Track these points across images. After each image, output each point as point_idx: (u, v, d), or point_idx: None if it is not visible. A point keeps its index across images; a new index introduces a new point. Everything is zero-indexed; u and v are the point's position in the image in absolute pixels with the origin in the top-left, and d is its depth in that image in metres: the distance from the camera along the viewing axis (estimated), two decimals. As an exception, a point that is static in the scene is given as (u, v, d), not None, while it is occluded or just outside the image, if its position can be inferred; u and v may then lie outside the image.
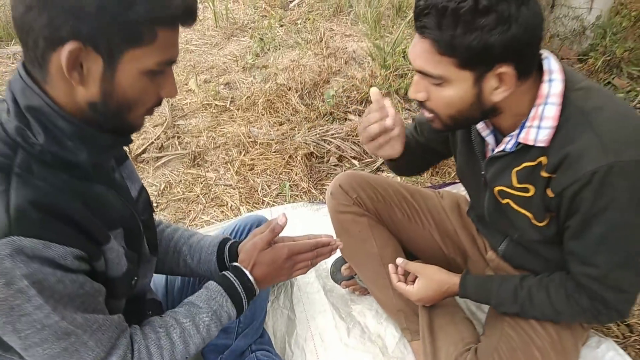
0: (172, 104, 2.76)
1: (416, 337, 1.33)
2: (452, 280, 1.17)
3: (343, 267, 1.54)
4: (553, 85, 0.88)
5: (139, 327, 0.86)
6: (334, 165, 2.21)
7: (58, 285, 0.69)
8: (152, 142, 2.39)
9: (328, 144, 2.27)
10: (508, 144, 0.95)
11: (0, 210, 0.65)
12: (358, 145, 2.26)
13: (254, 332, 1.29)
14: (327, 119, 2.50)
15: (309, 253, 1.06)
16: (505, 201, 1.03)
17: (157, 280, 1.30)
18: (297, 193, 2.06)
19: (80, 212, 0.72)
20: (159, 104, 0.80)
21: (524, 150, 0.93)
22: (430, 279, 1.18)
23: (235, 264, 1.01)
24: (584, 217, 0.88)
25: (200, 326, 0.90)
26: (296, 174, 2.13)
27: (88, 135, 0.74)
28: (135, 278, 0.88)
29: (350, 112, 2.53)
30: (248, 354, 1.24)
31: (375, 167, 2.16)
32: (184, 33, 3.96)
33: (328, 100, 2.56)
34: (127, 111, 0.76)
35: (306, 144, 2.26)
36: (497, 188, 1.03)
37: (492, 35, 0.79)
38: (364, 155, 2.23)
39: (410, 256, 1.44)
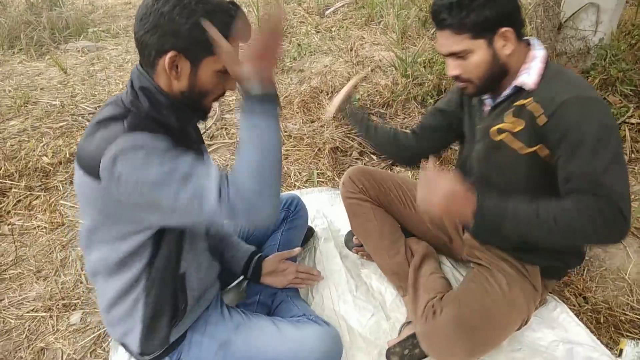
0: (220, 100, 3.20)
1: (407, 293, 1.72)
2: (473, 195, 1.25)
3: (354, 237, 1.95)
4: (538, 51, 1.28)
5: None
6: (356, 159, 2.60)
7: (170, 151, 1.01)
8: (204, 132, 2.84)
9: (352, 140, 2.67)
10: (507, 90, 1.31)
11: (119, 126, 1.02)
12: (377, 142, 2.64)
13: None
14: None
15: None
16: (500, 137, 1.33)
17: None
18: (323, 180, 2.46)
19: (173, 123, 1.11)
20: (223, 94, 1.19)
21: (516, 96, 1.30)
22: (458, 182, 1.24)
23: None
24: (572, 134, 1.17)
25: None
26: (323, 164, 2.54)
27: (176, 108, 1.13)
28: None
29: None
30: (280, 293, 1.66)
31: (390, 162, 2.55)
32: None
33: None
34: (203, 98, 1.16)
35: (333, 139, 2.67)
36: (495, 127, 1.34)
37: (486, 10, 1.19)
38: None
39: (406, 233, 1.82)
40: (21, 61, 3.94)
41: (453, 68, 1.31)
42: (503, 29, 1.22)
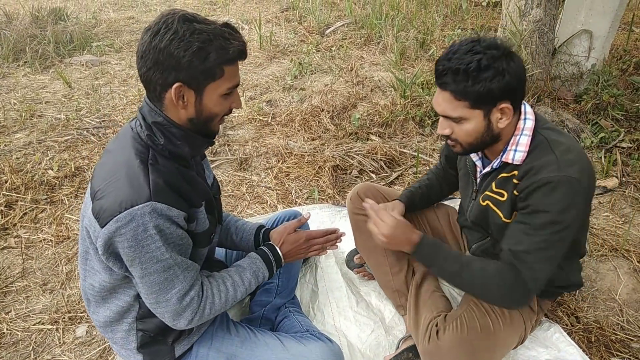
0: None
1: (407, 312, 1.77)
2: (415, 233, 1.44)
3: (355, 257, 2.00)
4: (527, 122, 1.32)
5: (206, 277, 1.31)
6: (355, 177, 2.67)
7: (171, 235, 1.14)
8: (207, 148, 2.89)
9: (352, 158, 2.74)
10: (495, 162, 1.38)
11: (145, 185, 1.10)
12: (376, 161, 2.72)
13: (288, 294, 1.76)
14: (352, 137, 2.96)
15: (321, 238, 1.53)
16: (485, 203, 1.44)
17: (219, 253, 1.78)
18: (323, 197, 2.52)
19: (186, 188, 1.19)
20: (230, 113, 1.25)
21: (503, 167, 1.36)
22: (401, 221, 1.46)
23: (270, 242, 1.48)
24: (532, 209, 1.26)
25: (245, 280, 1.35)
26: (323, 181, 2.60)
27: (189, 137, 1.20)
28: (213, 234, 1.35)
29: (372, 134, 2.99)
30: (283, 309, 1.71)
31: (389, 181, 2.62)
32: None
33: (354, 122, 3.02)
34: (210, 121, 1.22)
35: (333, 157, 2.73)
36: (483, 194, 1.44)
37: (493, 83, 1.21)
38: (381, 170, 2.68)
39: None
40: (26, 74, 3.99)
41: (444, 128, 1.34)
42: (503, 104, 1.24)
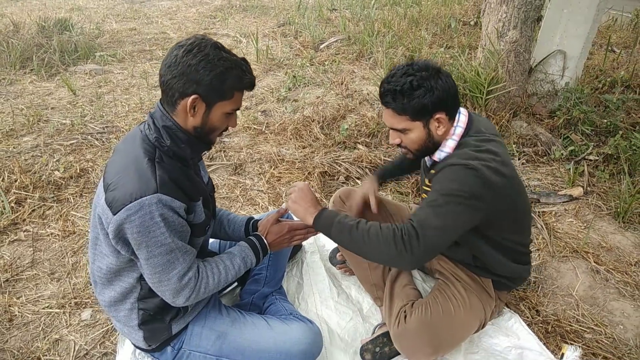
0: (219, 125, 3.47)
1: (383, 303, 1.95)
2: (318, 206, 1.57)
3: (338, 254, 2.19)
4: (457, 129, 1.53)
5: (201, 261, 1.50)
6: (342, 183, 2.86)
7: (173, 223, 1.32)
8: (205, 154, 3.09)
9: (339, 165, 2.94)
10: (428, 161, 1.61)
11: (152, 179, 1.28)
12: (362, 168, 2.92)
13: (275, 284, 1.94)
14: (340, 146, 3.17)
15: (302, 230, 1.70)
16: (423, 196, 1.66)
17: (213, 245, 1.97)
18: (311, 201, 2.71)
19: (187, 184, 1.38)
20: (226, 130, 1.45)
21: (434, 165, 1.58)
22: (309, 191, 1.61)
23: (257, 232, 1.67)
24: (432, 189, 1.46)
25: (235, 265, 1.53)
26: (312, 186, 2.79)
27: (192, 142, 1.39)
28: (208, 226, 1.54)
29: (359, 143, 3.20)
30: (270, 297, 1.89)
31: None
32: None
33: (342, 132, 3.23)
34: (211, 133, 1.41)
35: (322, 164, 2.93)
36: (423, 190, 1.67)
37: (425, 99, 1.43)
38: (366, 177, 2.88)
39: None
40: (32, 81, 4.19)
41: (394, 138, 1.57)
42: (438, 115, 1.46)
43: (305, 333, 1.60)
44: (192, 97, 1.28)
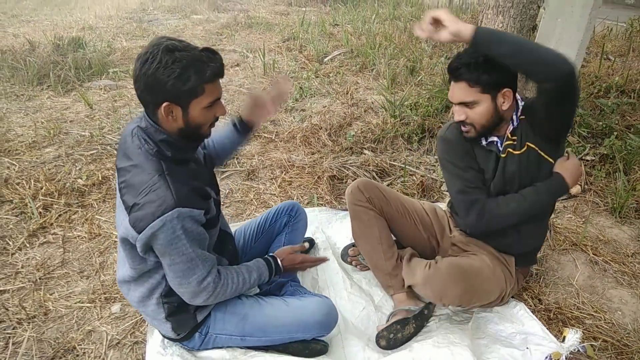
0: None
1: (397, 291, 2.05)
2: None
3: (350, 250, 2.32)
4: (519, 103, 1.70)
5: (224, 268, 1.61)
6: (351, 186, 3.00)
7: (193, 233, 1.43)
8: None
9: (347, 169, 3.08)
10: (507, 132, 1.72)
11: (169, 195, 1.32)
12: (369, 172, 3.06)
13: (290, 274, 2.05)
14: (347, 152, 3.32)
15: (311, 263, 1.87)
16: (505, 153, 1.74)
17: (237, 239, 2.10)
18: (322, 202, 2.84)
19: (198, 185, 1.50)
20: (216, 120, 1.47)
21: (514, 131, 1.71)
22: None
23: (274, 255, 1.78)
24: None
25: (251, 278, 1.65)
26: (322, 189, 2.93)
27: (188, 144, 1.49)
28: (219, 217, 1.67)
29: (365, 148, 3.35)
30: (286, 285, 2.01)
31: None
32: (236, 78, 4.89)
33: (349, 138, 3.38)
34: (199, 129, 1.46)
35: (331, 168, 3.08)
36: (518, 148, 1.74)
37: (497, 72, 1.57)
38: (373, 180, 3.02)
39: (398, 244, 2.19)
40: (49, 96, 4.36)
41: (460, 114, 1.69)
42: (505, 89, 1.61)
43: (319, 305, 1.73)
44: (164, 105, 1.33)
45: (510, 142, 1.74)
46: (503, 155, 1.75)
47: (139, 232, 1.35)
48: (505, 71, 1.57)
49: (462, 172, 1.79)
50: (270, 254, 1.80)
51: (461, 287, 1.74)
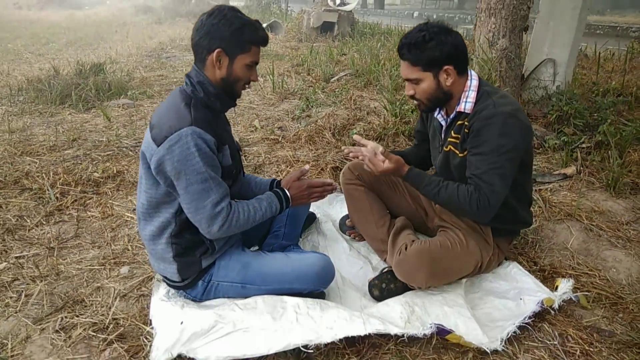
0: (240, 137, 3.80)
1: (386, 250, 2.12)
2: (405, 166, 1.83)
3: (347, 221, 2.41)
4: (472, 81, 1.78)
5: (234, 200, 1.73)
6: (352, 176, 3.11)
7: (206, 155, 1.56)
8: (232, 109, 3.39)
9: (349, 162, 3.20)
10: (452, 114, 1.81)
11: (188, 116, 1.55)
12: (370, 163, 3.17)
13: (293, 239, 2.15)
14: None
15: (319, 188, 1.92)
16: (448, 148, 1.86)
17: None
18: (324, 189, 2.95)
19: (216, 126, 1.65)
20: (249, 82, 1.71)
21: (458, 116, 1.80)
22: (398, 160, 1.82)
23: (281, 186, 1.91)
24: (480, 140, 1.67)
25: (262, 207, 1.75)
26: (325, 178, 3.04)
27: (220, 95, 1.68)
28: (235, 170, 1.79)
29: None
30: (288, 248, 2.10)
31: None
32: (247, 96, 5.13)
33: (352, 135, 3.52)
34: (236, 83, 1.67)
35: (334, 161, 3.20)
36: (446, 142, 1.87)
37: (435, 51, 1.68)
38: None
39: (391, 215, 2.27)
40: (71, 113, 4.63)
41: (409, 89, 1.82)
42: (446, 67, 1.70)
43: (318, 258, 1.82)
44: (217, 51, 1.56)
45: (454, 139, 1.83)
46: (446, 149, 1.87)
47: (158, 145, 1.51)
48: (445, 50, 1.65)
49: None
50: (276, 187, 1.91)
51: (427, 272, 1.81)
